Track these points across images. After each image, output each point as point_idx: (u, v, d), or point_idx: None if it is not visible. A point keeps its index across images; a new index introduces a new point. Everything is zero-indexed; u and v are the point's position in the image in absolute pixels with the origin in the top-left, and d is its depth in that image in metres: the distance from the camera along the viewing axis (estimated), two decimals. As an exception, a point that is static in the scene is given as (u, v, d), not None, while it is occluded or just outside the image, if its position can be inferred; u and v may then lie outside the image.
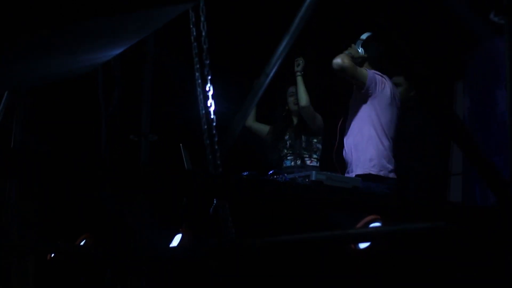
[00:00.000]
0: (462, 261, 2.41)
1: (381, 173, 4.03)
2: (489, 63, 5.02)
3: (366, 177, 3.95)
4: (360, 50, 4.16)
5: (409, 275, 3.15)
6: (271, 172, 3.92)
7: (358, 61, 4.14)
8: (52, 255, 4.42)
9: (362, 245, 3.21)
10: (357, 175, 3.98)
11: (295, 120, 4.79)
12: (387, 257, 3.13)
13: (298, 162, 4.61)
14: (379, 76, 4.12)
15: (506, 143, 4.75)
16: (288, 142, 4.70)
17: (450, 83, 5.39)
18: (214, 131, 2.64)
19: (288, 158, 4.68)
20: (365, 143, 4.05)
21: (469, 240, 2.35)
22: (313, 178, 3.81)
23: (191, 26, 2.58)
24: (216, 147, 2.64)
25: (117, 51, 2.53)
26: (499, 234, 1.93)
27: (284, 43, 2.48)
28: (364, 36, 4.18)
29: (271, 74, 2.56)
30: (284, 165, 4.65)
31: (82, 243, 4.31)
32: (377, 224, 3.17)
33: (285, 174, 4.00)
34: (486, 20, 3.98)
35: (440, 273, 2.92)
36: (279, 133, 4.79)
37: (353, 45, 4.20)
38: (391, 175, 4.07)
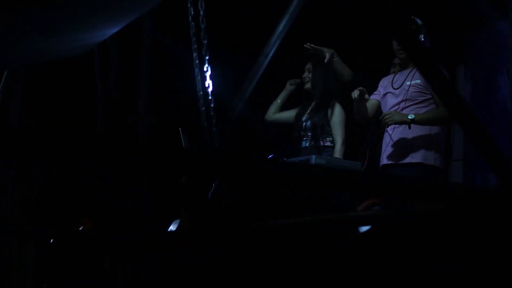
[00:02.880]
0: (464, 244, 2.38)
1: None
2: (491, 47, 4.98)
3: None
4: None
5: (410, 259, 3.13)
6: (270, 156, 3.90)
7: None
8: (52, 241, 4.41)
9: (362, 229, 3.19)
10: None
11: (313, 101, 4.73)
12: (387, 241, 3.10)
13: (313, 143, 4.59)
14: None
15: (508, 128, 4.72)
16: (304, 124, 4.66)
17: (451, 67, 5.34)
18: (212, 113, 2.60)
19: (304, 139, 4.65)
20: None
21: (471, 222, 2.32)
22: (313, 162, 3.80)
23: (189, 5, 2.54)
24: (214, 129, 2.61)
25: (113, 30, 2.49)
26: (501, 216, 1.90)
27: (283, 23, 2.44)
28: None
29: (270, 55, 2.51)
30: (302, 145, 4.63)
31: (81, 229, 4.30)
32: (377, 207, 3.14)
33: (284, 158, 4.00)
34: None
35: (442, 256, 2.89)
36: (299, 114, 4.75)
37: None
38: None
